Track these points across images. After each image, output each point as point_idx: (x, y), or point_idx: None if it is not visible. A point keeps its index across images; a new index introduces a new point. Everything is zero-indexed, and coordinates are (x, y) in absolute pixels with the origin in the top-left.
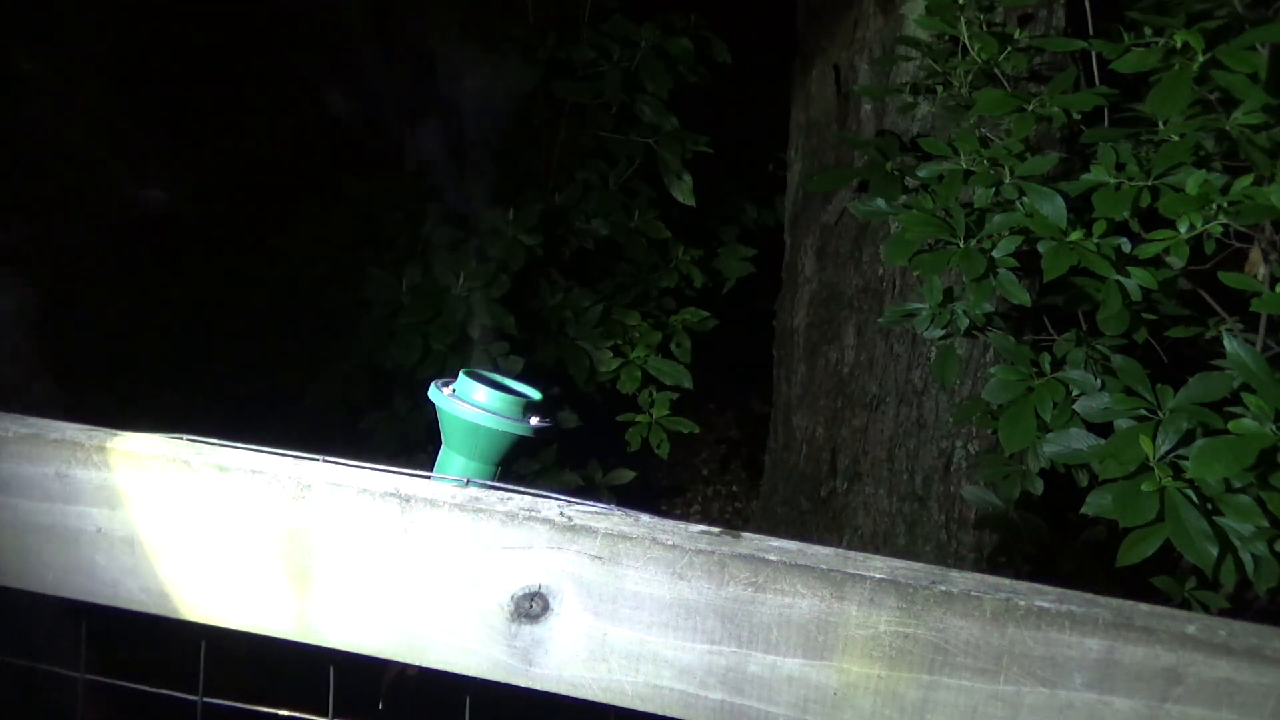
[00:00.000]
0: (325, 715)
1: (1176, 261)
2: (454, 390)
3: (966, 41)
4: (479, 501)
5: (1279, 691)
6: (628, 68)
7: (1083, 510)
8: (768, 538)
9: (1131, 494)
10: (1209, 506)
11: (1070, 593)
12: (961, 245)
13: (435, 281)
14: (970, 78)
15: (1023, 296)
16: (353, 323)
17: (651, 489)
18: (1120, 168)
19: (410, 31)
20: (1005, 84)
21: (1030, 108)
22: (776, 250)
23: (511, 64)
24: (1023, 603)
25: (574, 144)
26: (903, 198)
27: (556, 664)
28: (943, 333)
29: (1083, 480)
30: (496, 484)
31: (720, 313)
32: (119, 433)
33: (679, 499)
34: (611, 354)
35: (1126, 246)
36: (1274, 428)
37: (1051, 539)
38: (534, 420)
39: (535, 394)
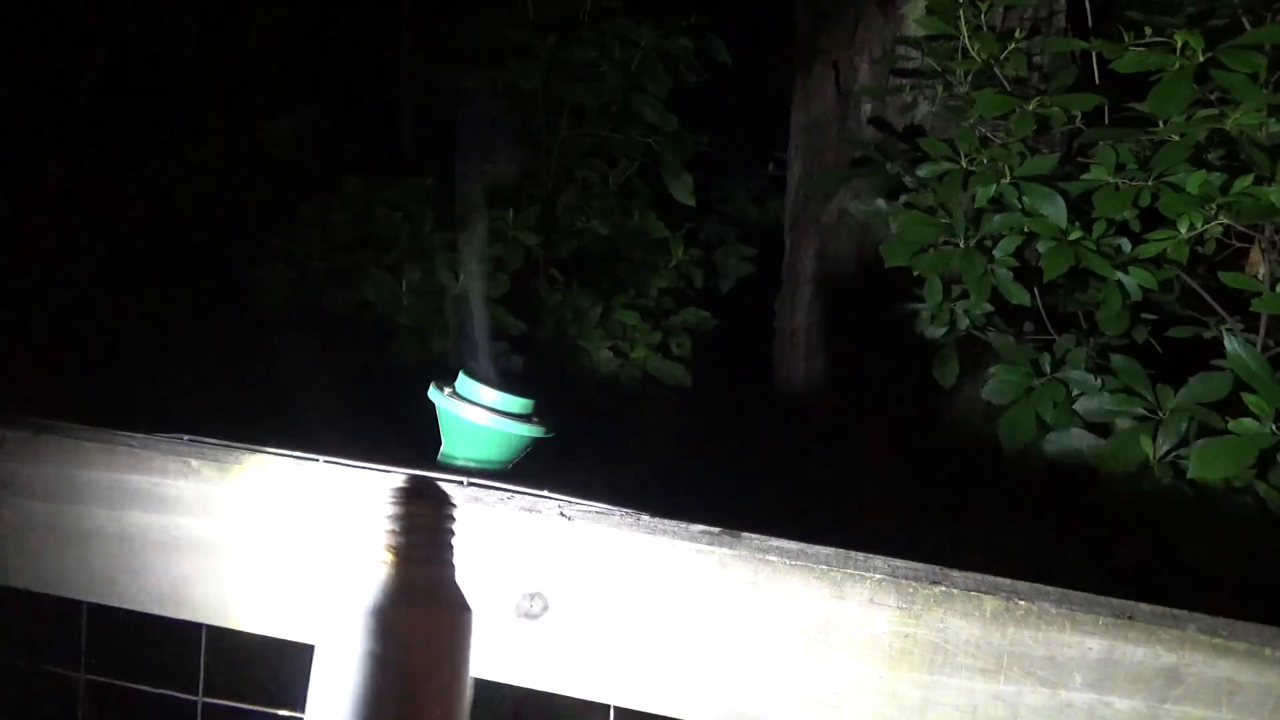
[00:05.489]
0: None
1: (1177, 261)
2: (453, 390)
3: (966, 41)
4: (479, 501)
5: (1279, 691)
6: (628, 68)
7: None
8: (768, 538)
9: (1130, 493)
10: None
11: (1070, 593)
12: (961, 245)
13: (435, 281)
14: (970, 77)
15: (1022, 296)
16: (353, 323)
17: (651, 489)
18: (1120, 168)
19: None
20: (1005, 84)
21: (1030, 108)
22: (776, 250)
23: (511, 64)
24: (1023, 603)
25: (574, 144)
26: (903, 198)
27: (557, 664)
28: (943, 333)
29: (1083, 480)
30: (496, 484)
31: (720, 312)
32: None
33: (680, 499)
34: (611, 354)
35: (1126, 246)
36: (1274, 427)
37: (1051, 539)
38: (534, 421)
39: (533, 395)
